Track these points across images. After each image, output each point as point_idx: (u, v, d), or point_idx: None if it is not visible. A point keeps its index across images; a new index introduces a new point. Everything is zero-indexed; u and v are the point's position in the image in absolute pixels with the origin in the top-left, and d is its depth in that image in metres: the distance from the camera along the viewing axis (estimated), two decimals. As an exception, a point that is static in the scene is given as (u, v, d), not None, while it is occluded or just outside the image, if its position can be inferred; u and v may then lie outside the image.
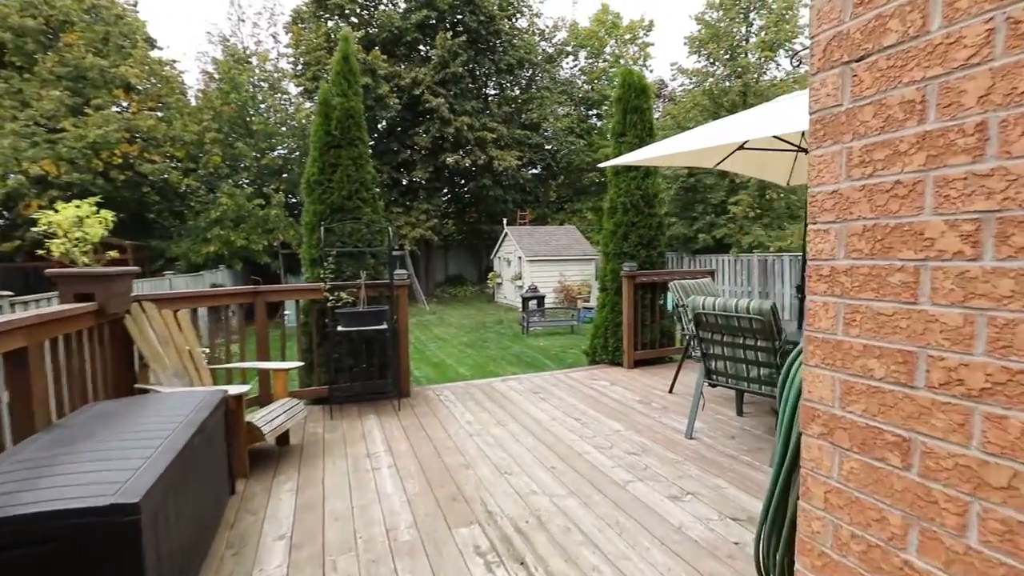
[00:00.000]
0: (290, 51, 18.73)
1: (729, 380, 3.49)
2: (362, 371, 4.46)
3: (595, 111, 23.43)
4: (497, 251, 19.05)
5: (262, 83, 17.37)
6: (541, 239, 17.44)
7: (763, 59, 13.32)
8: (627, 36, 22.43)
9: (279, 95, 17.78)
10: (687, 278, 5.93)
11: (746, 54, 13.90)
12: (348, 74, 4.73)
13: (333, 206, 4.56)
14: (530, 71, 22.25)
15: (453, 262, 23.66)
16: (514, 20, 20.71)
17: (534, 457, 3.29)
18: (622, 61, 22.70)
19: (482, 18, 18.97)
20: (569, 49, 22.85)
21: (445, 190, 22.16)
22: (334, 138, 4.60)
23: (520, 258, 16.78)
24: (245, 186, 15.86)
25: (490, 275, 19.33)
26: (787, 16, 12.08)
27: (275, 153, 16.86)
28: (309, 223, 4.62)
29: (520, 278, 16.80)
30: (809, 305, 1.35)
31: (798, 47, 12.27)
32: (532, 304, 13.46)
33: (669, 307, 5.97)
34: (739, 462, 3.16)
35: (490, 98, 21.91)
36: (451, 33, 18.46)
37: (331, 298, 4.22)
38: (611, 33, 22.11)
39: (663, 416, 4.07)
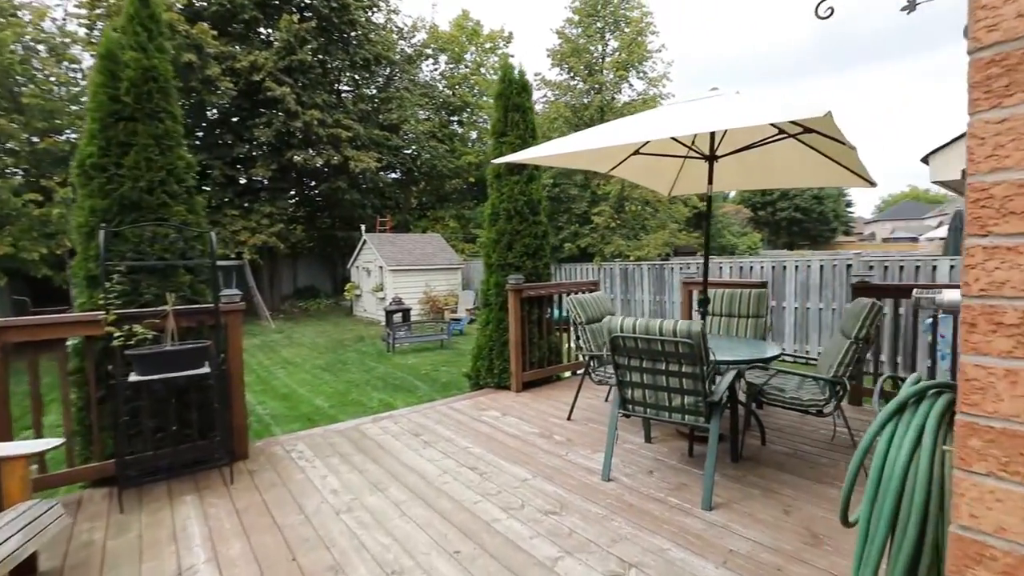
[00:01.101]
0: (83, 11, 14.99)
1: (648, 410, 3.08)
2: (173, 435, 3.18)
3: (457, 117, 23.02)
4: (355, 260, 17.45)
5: (38, 46, 13.56)
6: (404, 247, 16.36)
7: (617, 79, 14.20)
8: (488, 45, 22.49)
9: (66, 64, 14.05)
10: (575, 290, 5.61)
11: (602, 71, 14.69)
12: (148, 21, 3.43)
13: (124, 201, 3.22)
14: (388, 70, 21.01)
15: (304, 272, 21.24)
16: (370, 13, 19.34)
17: (429, 538, 2.49)
18: (483, 70, 22.70)
19: (334, 4, 17.30)
20: (429, 52, 22.13)
21: (293, 192, 19.79)
22: (125, 106, 3.27)
23: (381, 268, 15.51)
24: (11, 176, 12.15)
25: (347, 286, 17.62)
26: (638, 40, 13.00)
27: (61, 137, 13.25)
28: (84, 225, 3.21)
29: (382, 289, 15.53)
30: (972, 373, 0.81)
31: (648, 70, 13.32)
32: (397, 318, 12.39)
33: (556, 316, 5.59)
34: (670, 507, 2.74)
35: (344, 94, 20.16)
36: (298, 16, 16.49)
37: (118, 333, 2.91)
38: (472, 40, 21.96)
39: (570, 452, 3.55)
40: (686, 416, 2.94)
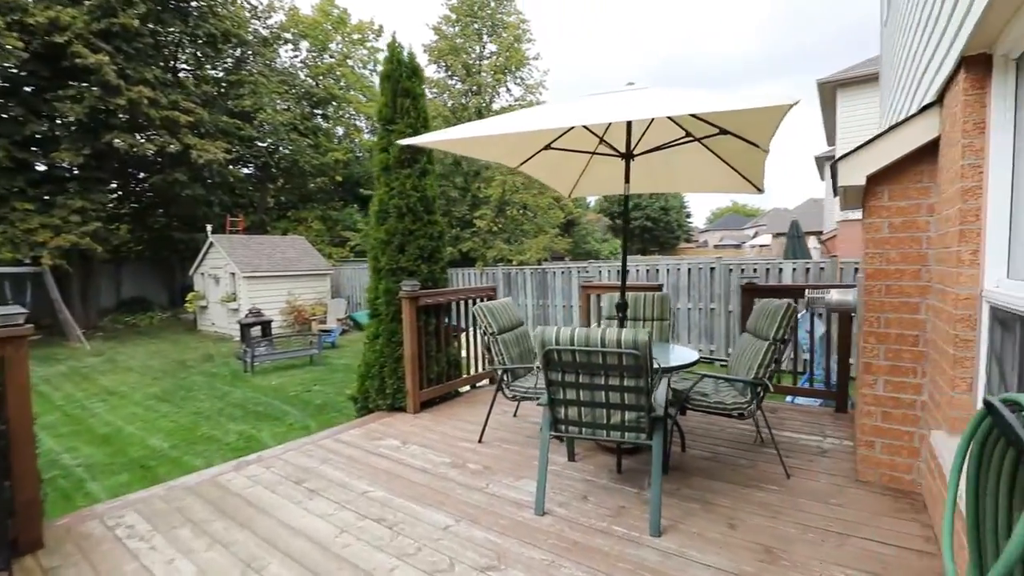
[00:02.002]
0: None
1: (583, 430, 2.76)
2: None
3: (322, 111, 21.16)
4: (199, 265, 14.99)
5: None
6: (261, 251, 14.46)
7: (495, 82, 14.11)
8: (356, 36, 21.04)
9: None
10: (474, 296, 5.18)
11: (480, 73, 14.50)
12: None
13: None
14: (239, 51, 18.54)
15: (131, 281, 17.77)
16: (215, -17, 16.86)
17: (335, 636, 1.85)
18: (350, 62, 21.20)
19: (167, -34, 14.71)
20: (289, 36, 20.02)
21: (114, 184, 16.43)
22: None
23: (234, 274, 13.49)
24: None
25: (189, 296, 15.05)
26: (516, 46, 13.03)
27: None
28: None
29: (235, 299, 13.51)
30: None
31: (525, 77, 13.42)
32: (255, 331, 10.79)
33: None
34: (617, 539, 2.43)
35: (184, 73, 17.30)
36: (118, -28, 13.66)
37: None
38: (338, 29, 20.37)
39: (490, 483, 3.09)
40: (626, 433, 2.67)
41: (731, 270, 9.00)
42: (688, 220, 51.49)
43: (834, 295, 3.54)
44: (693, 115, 3.26)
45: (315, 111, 20.83)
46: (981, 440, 1.13)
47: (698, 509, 2.71)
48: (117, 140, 13.66)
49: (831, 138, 15.76)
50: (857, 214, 10.99)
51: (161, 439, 5.83)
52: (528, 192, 12.68)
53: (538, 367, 2.74)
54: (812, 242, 14.60)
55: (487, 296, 5.37)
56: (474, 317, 4.02)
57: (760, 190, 4.21)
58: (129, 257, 17.57)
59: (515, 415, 4.41)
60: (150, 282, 18.22)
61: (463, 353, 5.30)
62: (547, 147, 3.78)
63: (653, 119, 3.47)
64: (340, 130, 21.99)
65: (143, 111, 13.92)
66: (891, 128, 2.83)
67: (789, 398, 5.32)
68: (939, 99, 2.63)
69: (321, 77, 20.04)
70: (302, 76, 20.59)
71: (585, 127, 3.61)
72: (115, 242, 15.28)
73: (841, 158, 2.91)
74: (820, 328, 6.16)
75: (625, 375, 2.53)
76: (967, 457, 1.16)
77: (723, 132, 3.25)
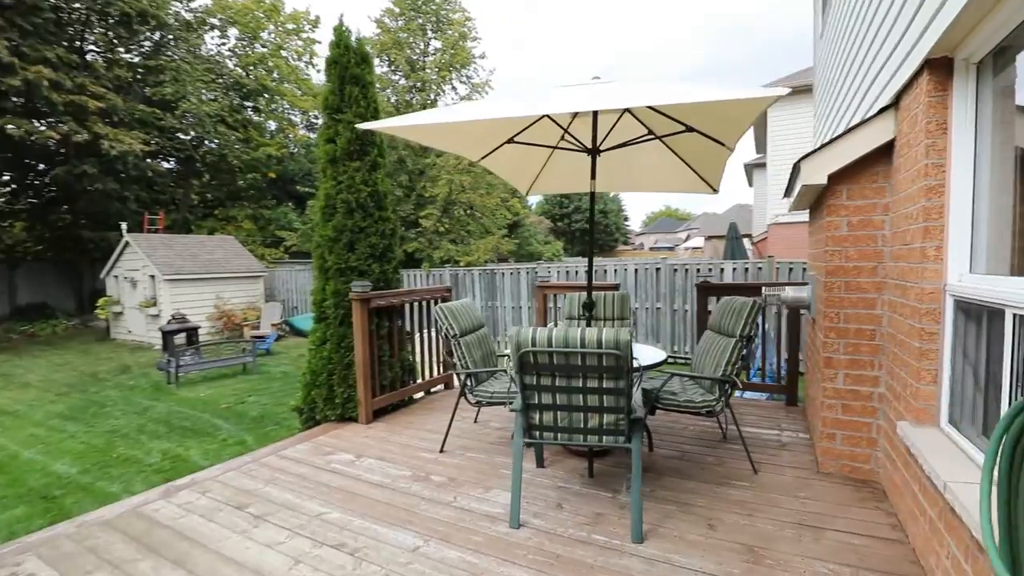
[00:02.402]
0: None
1: (559, 435, 2.62)
2: None
3: (253, 103, 19.88)
4: (112, 267, 13.58)
5: None
6: (185, 251, 13.32)
7: (440, 79, 13.77)
8: (290, 26, 19.93)
9: None
10: (429, 297, 4.95)
11: (424, 69, 14.11)
12: None
13: None
14: (159, 34, 17.04)
15: (29, 285, 15.85)
16: (129, -42, 15.37)
17: None
18: (284, 53, 20.05)
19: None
20: (215, 22, 18.64)
21: (7, 175, 14.59)
22: None
23: (154, 277, 12.33)
24: None
25: (101, 302, 13.60)
26: (461, 44, 12.76)
27: None
28: None
29: (155, 304, 12.35)
30: None
31: (472, 75, 13.17)
32: (179, 339, 9.87)
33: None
34: (600, 548, 2.31)
35: (93, 55, 15.66)
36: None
37: None
38: (271, 17, 19.20)
39: (458, 496, 2.89)
40: (604, 437, 2.57)
41: (676, 270, 9.26)
42: (626, 223, 53.28)
43: (790, 292, 3.63)
44: (661, 111, 3.24)
45: (245, 103, 19.53)
46: (1015, 438, 1.09)
47: (675, 511, 2.65)
48: (10, 126, 12.11)
49: (760, 146, 16.71)
50: (789, 217, 11.53)
51: (68, 463, 5.13)
52: (475, 192, 12.48)
53: (509, 371, 2.58)
54: (745, 244, 15.38)
55: (442, 297, 5.15)
56: (434, 319, 3.80)
57: (715, 190, 4.28)
58: (26, 259, 15.66)
59: (476, 421, 4.22)
60: (53, 286, 16.32)
61: (416, 357, 5.04)
62: (510, 140, 3.63)
63: (622, 114, 3.41)
64: (272, 124, 20.76)
65: (43, 94, 12.43)
66: (850, 129, 2.91)
67: (739, 392, 5.47)
68: (895, 102, 2.73)
69: (252, 67, 18.79)
70: (230, 65, 19.24)
71: (551, 119, 3.50)
72: (8, 241, 13.55)
73: (804, 157, 2.97)
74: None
75: (604, 376, 2.42)
76: (998, 456, 1.12)
77: (689, 130, 3.24)
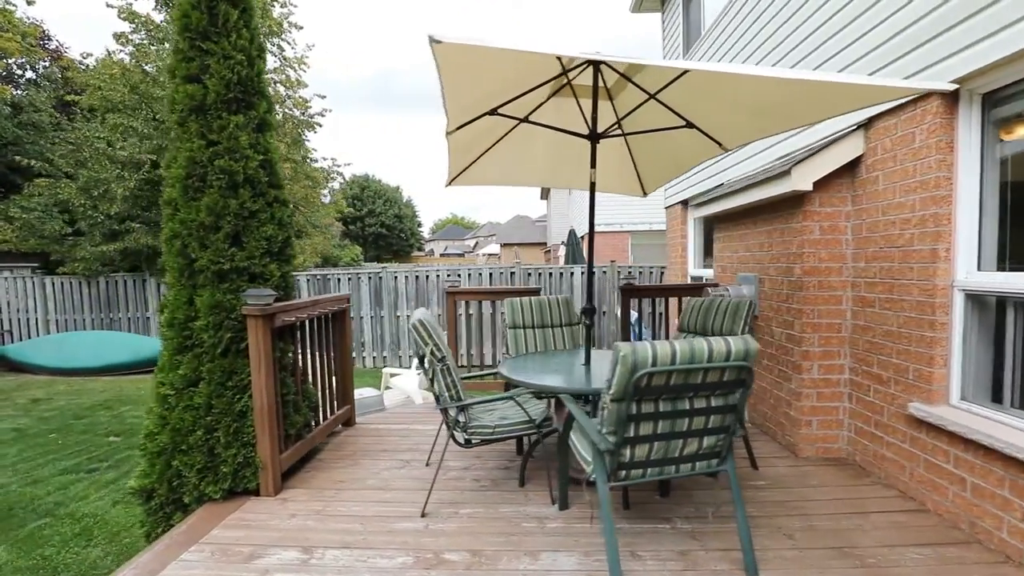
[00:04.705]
0: None
1: (649, 470, 2.15)
2: None
3: None
4: None
5: None
6: None
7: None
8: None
9: None
10: (332, 308, 3.84)
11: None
12: None
13: None
14: None
15: None
16: None
17: None
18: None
19: None
20: None
21: None
22: None
23: None
24: None
25: None
26: (270, 6, 10.49)
27: None
28: None
29: None
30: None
31: (285, 47, 10.90)
32: None
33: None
34: (737, 603, 1.93)
35: None
36: None
37: None
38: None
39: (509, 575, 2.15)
40: (697, 464, 2.21)
41: (529, 274, 9.39)
42: (420, 228, 53.15)
43: (743, 290, 3.87)
44: (668, 105, 3.05)
45: None
46: None
47: (764, 534, 2.45)
48: None
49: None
50: (603, 228, 12.74)
51: None
52: (296, 183, 10.47)
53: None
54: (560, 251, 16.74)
55: (343, 308, 4.03)
56: (411, 340, 2.84)
57: (645, 193, 4.33)
58: None
59: (427, 464, 3.35)
60: None
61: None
62: (493, 111, 2.97)
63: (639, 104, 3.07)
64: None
65: None
66: (827, 145, 3.18)
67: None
68: (867, 123, 3.07)
69: None
70: None
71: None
72: None
73: (795, 165, 3.13)
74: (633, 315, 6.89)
75: (720, 392, 2.07)
76: None
77: (689, 126, 3.12)
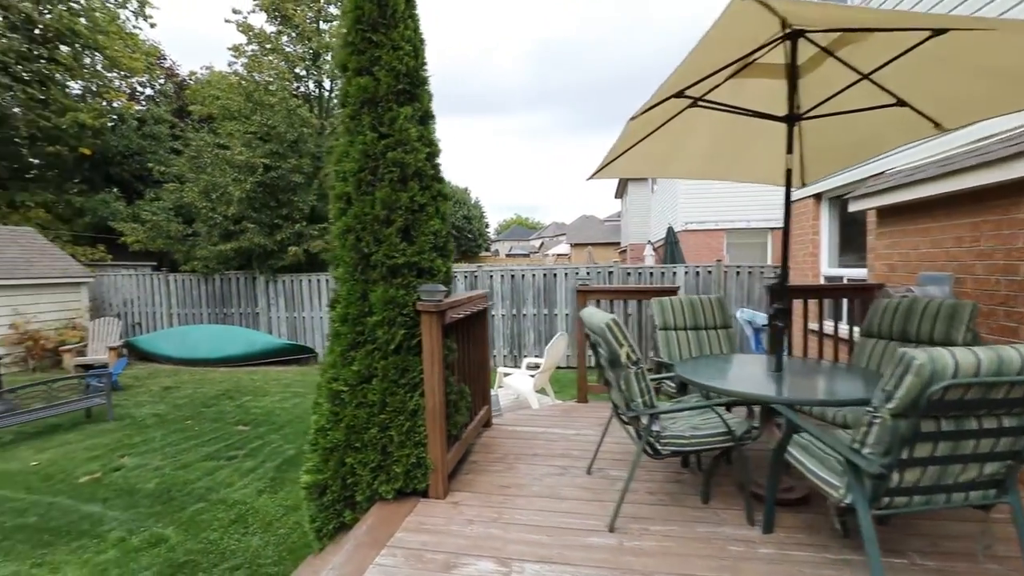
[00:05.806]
0: None
1: (915, 497, 1.84)
2: None
3: (49, 52, 14.81)
4: None
5: None
6: (-50, 248, 9.18)
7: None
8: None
9: None
10: (484, 307, 3.75)
11: (320, 34, 11.62)
12: None
13: None
14: None
15: None
16: None
17: None
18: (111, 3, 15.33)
19: None
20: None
21: None
22: None
23: None
24: None
25: None
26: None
27: None
28: None
29: None
30: None
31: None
32: (-39, 377, 6.56)
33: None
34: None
35: None
36: None
37: None
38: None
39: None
40: (971, 493, 1.87)
41: (628, 274, 9.06)
42: (487, 229, 53.80)
43: (930, 290, 3.39)
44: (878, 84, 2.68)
45: (41, 50, 14.43)
46: None
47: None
48: None
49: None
50: (696, 225, 12.25)
51: None
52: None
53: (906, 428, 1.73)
54: (647, 249, 16.22)
55: (485, 304, 3.96)
56: (593, 339, 2.69)
57: (804, 184, 3.91)
58: None
59: (588, 472, 3.17)
60: None
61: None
62: (680, 94, 2.74)
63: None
64: (77, 86, 15.78)
65: None
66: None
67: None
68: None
69: (52, 3, 13.91)
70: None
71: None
72: None
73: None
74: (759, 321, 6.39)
75: (1014, 411, 1.73)
76: None
77: (901, 104, 2.73)
